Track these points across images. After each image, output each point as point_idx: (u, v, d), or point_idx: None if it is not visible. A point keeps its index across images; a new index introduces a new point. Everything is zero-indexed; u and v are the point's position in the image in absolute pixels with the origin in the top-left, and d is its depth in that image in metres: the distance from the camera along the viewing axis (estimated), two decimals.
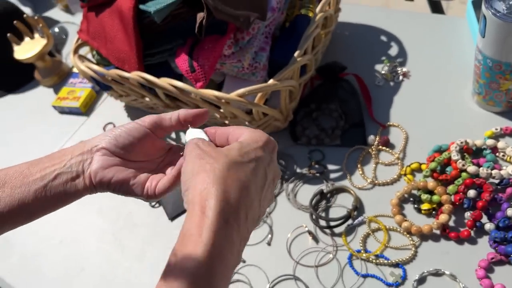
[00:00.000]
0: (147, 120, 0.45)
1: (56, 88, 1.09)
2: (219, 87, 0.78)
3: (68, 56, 1.15)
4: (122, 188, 0.44)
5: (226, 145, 0.41)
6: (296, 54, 0.70)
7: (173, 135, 0.90)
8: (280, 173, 0.42)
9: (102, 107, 1.00)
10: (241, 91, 0.68)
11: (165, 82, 0.73)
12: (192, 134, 0.42)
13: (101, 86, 0.87)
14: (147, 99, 0.85)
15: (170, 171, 0.45)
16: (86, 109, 1.00)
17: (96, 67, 0.81)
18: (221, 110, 0.75)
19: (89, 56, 0.93)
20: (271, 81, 0.68)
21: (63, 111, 1.01)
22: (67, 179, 0.42)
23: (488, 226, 0.60)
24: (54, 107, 1.01)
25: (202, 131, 0.43)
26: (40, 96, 1.08)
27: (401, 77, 0.83)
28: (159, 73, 0.75)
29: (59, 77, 1.09)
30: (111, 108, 0.99)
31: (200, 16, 0.66)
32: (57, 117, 1.02)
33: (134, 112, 0.96)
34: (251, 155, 0.38)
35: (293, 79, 0.71)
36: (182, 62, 0.73)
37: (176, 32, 0.76)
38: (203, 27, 0.67)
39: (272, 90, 0.69)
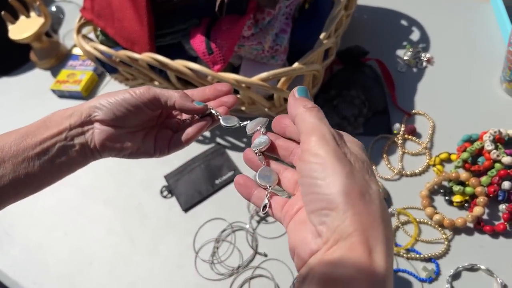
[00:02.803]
0: (146, 96, 0.42)
1: (54, 70, 1.02)
2: (234, 71, 0.74)
3: (65, 37, 1.08)
4: (131, 155, 0.44)
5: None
6: (322, 36, 0.65)
7: None
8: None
9: (105, 91, 0.94)
10: (263, 75, 0.63)
11: (179, 64, 0.68)
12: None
13: (106, 68, 0.81)
14: (156, 83, 0.80)
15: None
16: (88, 93, 0.94)
17: (103, 48, 0.75)
18: (238, 96, 0.70)
19: (91, 36, 0.87)
20: (296, 64, 0.64)
21: (62, 95, 0.95)
22: (71, 151, 0.42)
23: None
24: (53, 91, 0.95)
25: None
26: (36, 79, 1.02)
27: (424, 63, 0.79)
28: (171, 55, 0.70)
29: (57, 59, 1.03)
30: None
31: None
32: (56, 101, 0.96)
33: None
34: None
35: (317, 63, 0.66)
36: (198, 43, 0.68)
37: (190, 12, 0.71)
38: (224, 5, 0.62)
39: (297, 75, 0.65)
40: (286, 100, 0.69)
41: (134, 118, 0.43)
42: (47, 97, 0.97)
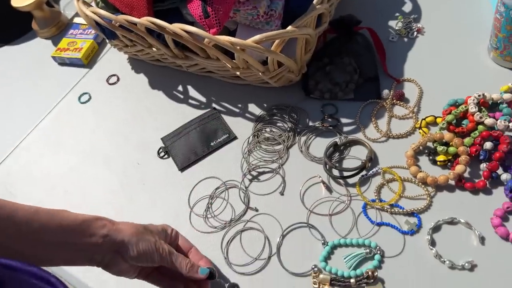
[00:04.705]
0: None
1: (55, 40, 1.05)
2: (229, 36, 0.76)
3: (66, 7, 1.10)
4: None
5: None
6: (315, 1, 0.67)
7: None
8: None
9: (105, 59, 0.97)
10: (257, 37, 0.66)
11: (177, 27, 0.70)
12: None
13: (106, 33, 0.83)
14: (154, 49, 0.82)
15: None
16: (88, 60, 0.96)
17: (102, 12, 0.77)
18: (234, 61, 0.73)
19: (92, 4, 0.89)
20: (289, 27, 0.66)
21: (63, 62, 0.98)
22: (88, 262, 0.52)
23: (505, 176, 0.60)
24: (54, 58, 0.98)
25: None
26: (38, 48, 1.04)
27: (415, 33, 0.81)
28: (169, 20, 0.72)
29: (57, 28, 1.05)
30: (114, 61, 0.96)
31: None
32: (57, 68, 0.98)
33: (138, 65, 0.93)
34: None
35: (310, 28, 0.69)
36: (195, 7, 0.70)
37: None
38: None
39: (289, 38, 0.67)
40: (279, 64, 0.72)
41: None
42: (48, 64, 0.99)
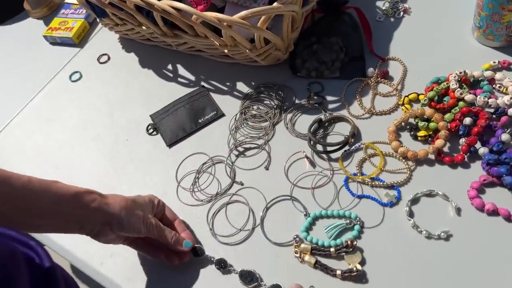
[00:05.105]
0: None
1: (46, 20, 1.05)
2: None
3: None
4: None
5: None
6: None
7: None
8: None
9: (96, 38, 0.98)
10: (244, 13, 0.66)
11: (164, 3, 0.71)
12: None
13: (96, 12, 0.84)
14: (143, 27, 0.83)
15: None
16: (80, 40, 0.97)
17: None
18: (222, 38, 0.74)
19: None
20: (275, 4, 0.67)
21: (54, 41, 0.98)
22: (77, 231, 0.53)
23: (482, 150, 0.62)
24: (45, 37, 0.98)
25: None
26: (29, 28, 1.05)
27: (402, 13, 0.82)
28: None
29: (49, 8, 1.05)
30: (105, 40, 0.97)
31: None
32: (49, 48, 0.99)
33: (129, 44, 0.94)
34: None
35: (296, 5, 0.70)
36: None
37: None
38: None
39: (276, 15, 0.68)
40: (266, 40, 0.73)
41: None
42: (40, 44, 1.00)
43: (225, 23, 0.68)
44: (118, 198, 0.56)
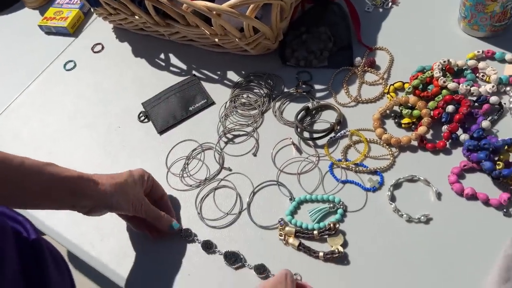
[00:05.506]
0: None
1: (42, 10, 1.07)
2: None
3: None
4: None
5: None
6: None
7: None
8: None
9: (90, 28, 0.99)
10: (232, 1, 0.68)
11: None
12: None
13: (90, 1, 0.85)
14: (136, 17, 0.84)
15: None
16: (74, 29, 0.99)
17: None
18: (212, 27, 0.75)
19: None
20: None
21: (50, 31, 1.00)
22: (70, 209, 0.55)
23: (463, 137, 0.63)
24: (41, 27, 1.00)
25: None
26: (25, 18, 1.07)
27: (390, 4, 0.83)
28: None
29: None
30: (99, 30, 0.98)
31: None
32: (44, 37, 1.01)
33: (122, 34, 0.95)
34: None
35: None
36: None
37: None
38: None
39: (264, 3, 0.70)
40: (255, 30, 0.74)
41: None
42: (35, 33, 1.01)
43: (214, 12, 0.70)
44: (110, 180, 0.57)
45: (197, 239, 0.64)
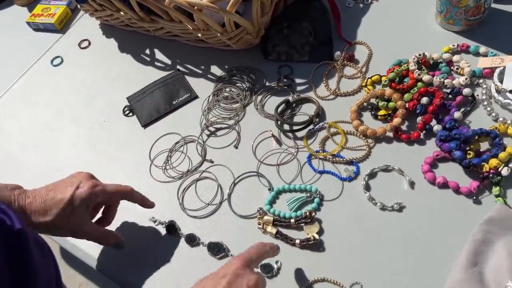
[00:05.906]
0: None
1: (30, 7, 1.08)
2: None
3: None
4: None
5: None
6: None
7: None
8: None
9: (78, 25, 1.01)
10: None
11: None
12: None
13: None
14: (122, 13, 0.86)
15: None
16: (62, 26, 1.00)
17: None
18: (195, 22, 0.76)
19: None
20: None
21: (37, 28, 1.01)
22: None
23: (436, 127, 0.65)
24: (28, 23, 1.01)
25: None
26: (13, 15, 1.08)
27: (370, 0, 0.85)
28: None
29: None
30: (86, 26, 0.99)
31: None
32: (32, 34, 1.02)
33: (109, 30, 0.97)
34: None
35: None
36: None
37: None
38: None
39: (246, 1, 0.71)
40: (237, 25, 0.76)
41: None
42: (23, 30, 1.03)
43: (195, 7, 0.71)
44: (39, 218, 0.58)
45: (180, 233, 0.65)
